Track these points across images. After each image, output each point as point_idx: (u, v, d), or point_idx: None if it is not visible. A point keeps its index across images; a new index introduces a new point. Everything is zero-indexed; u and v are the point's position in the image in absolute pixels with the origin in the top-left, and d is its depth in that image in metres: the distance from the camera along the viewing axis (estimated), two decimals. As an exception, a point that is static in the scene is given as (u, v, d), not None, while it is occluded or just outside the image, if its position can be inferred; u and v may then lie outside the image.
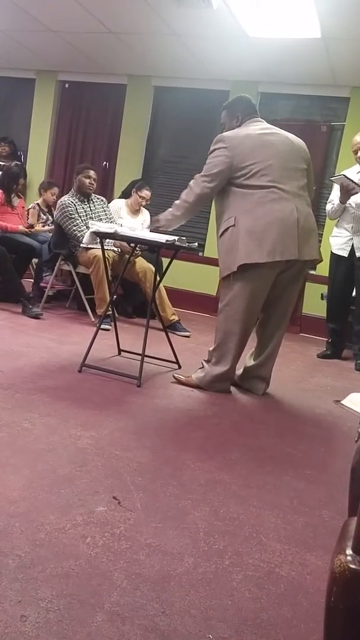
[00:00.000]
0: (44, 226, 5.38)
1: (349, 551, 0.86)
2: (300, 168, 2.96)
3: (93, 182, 4.78)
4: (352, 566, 0.84)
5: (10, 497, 1.58)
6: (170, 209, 3.05)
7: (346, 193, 4.09)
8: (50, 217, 5.47)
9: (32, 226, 5.13)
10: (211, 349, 3.03)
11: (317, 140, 5.41)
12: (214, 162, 2.89)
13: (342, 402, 3.21)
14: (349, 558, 0.85)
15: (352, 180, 4.00)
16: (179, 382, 3.08)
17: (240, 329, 2.92)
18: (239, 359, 3.05)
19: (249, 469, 2.08)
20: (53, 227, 5.04)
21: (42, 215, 5.48)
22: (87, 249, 4.43)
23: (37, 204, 5.48)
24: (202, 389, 3.00)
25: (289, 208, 2.82)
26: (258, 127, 2.98)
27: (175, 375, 3.14)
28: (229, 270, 2.88)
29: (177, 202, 3.03)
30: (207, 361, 3.04)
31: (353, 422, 2.89)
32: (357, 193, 4.07)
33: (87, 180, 4.73)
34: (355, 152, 4.16)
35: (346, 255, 4.33)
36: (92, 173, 4.79)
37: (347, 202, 4.17)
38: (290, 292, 3.06)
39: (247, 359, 3.16)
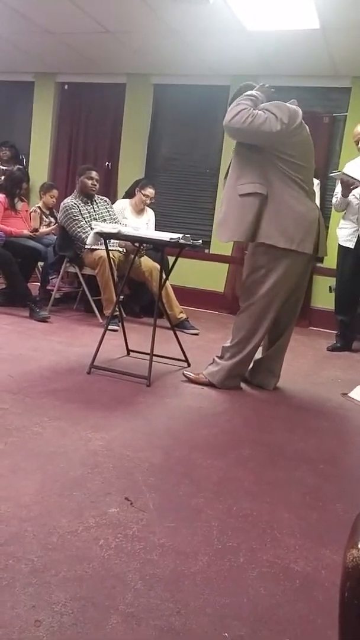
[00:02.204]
0: (48, 226, 5.39)
1: (361, 545, 0.85)
2: (313, 169, 2.99)
3: (95, 183, 4.78)
4: (365, 560, 0.83)
5: (22, 501, 1.58)
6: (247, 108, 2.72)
7: (346, 187, 4.15)
8: (52, 219, 5.48)
9: (36, 230, 5.14)
10: (227, 344, 3.00)
11: (319, 131, 5.35)
12: (284, 111, 2.70)
13: (350, 394, 3.18)
14: (361, 552, 0.84)
15: (350, 176, 4.07)
16: (189, 380, 3.07)
17: (263, 327, 2.92)
18: (254, 357, 3.04)
19: (261, 465, 2.07)
20: (57, 227, 5.04)
21: (44, 218, 5.49)
22: (93, 250, 4.44)
23: (38, 207, 5.49)
24: (212, 387, 2.99)
25: (311, 206, 2.87)
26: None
27: (185, 373, 3.13)
28: (242, 237, 2.82)
29: (246, 113, 2.70)
30: (220, 357, 3.03)
31: (365, 414, 2.88)
32: (357, 187, 4.11)
33: (90, 182, 4.73)
34: (357, 143, 4.17)
35: (353, 247, 4.31)
36: (94, 174, 4.78)
37: (350, 195, 4.20)
38: (300, 288, 3.06)
39: (256, 353, 3.15)
